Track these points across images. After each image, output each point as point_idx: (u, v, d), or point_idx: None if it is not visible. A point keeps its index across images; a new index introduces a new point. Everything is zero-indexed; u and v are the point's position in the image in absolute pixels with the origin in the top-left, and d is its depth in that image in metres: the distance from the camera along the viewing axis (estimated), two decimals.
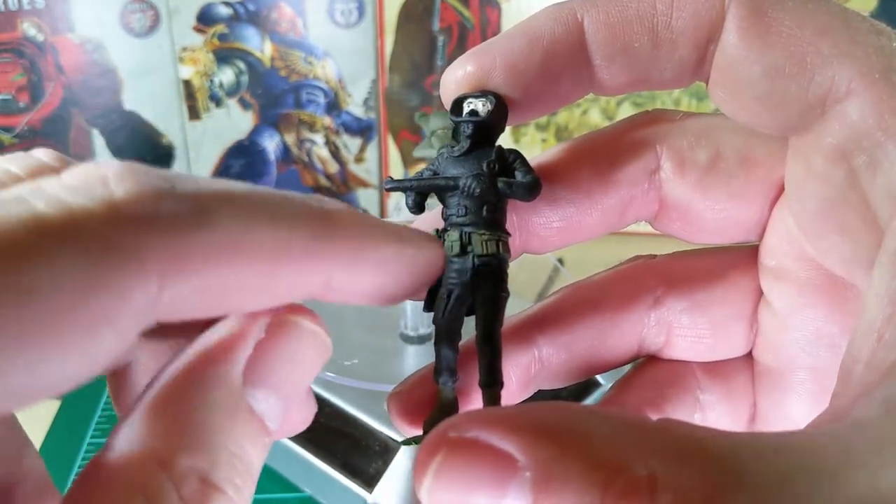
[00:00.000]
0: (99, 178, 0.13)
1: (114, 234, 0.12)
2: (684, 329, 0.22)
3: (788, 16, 0.17)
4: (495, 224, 0.19)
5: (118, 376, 0.18)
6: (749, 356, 0.22)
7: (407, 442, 0.19)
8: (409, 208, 0.20)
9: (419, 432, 0.19)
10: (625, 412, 0.15)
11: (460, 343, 0.20)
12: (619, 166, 0.20)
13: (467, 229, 0.19)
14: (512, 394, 0.21)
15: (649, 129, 0.21)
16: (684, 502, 0.12)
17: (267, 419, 0.15)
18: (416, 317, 0.51)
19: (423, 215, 0.21)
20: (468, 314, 0.19)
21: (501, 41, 0.19)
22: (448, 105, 0.19)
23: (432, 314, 0.20)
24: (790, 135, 0.18)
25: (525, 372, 0.21)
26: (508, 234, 0.20)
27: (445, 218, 0.20)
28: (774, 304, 0.21)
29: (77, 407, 0.56)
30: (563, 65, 0.19)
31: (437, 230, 0.20)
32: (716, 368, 0.22)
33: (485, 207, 0.19)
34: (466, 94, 0.19)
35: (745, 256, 0.22)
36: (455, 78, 0.19)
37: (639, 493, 0.12)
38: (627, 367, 0.23)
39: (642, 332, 0.22)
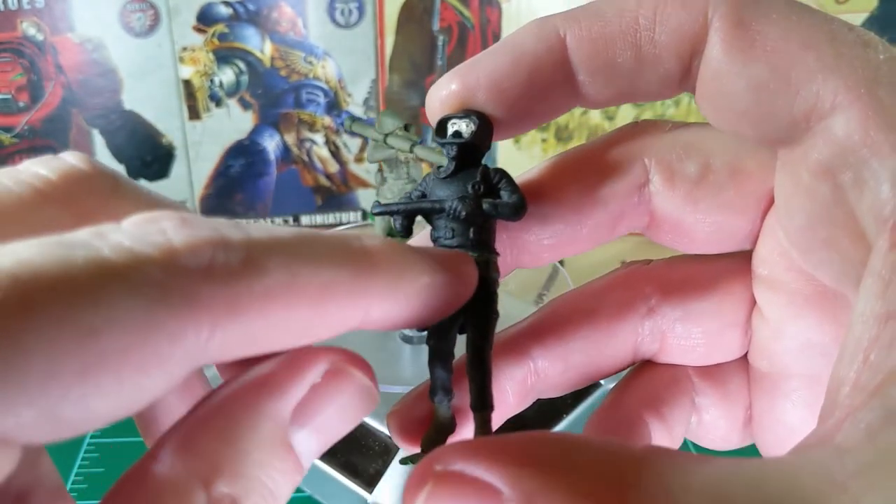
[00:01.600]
0: (159, 227, 0.14)
1: (171, 281, 0.13)
2: (678, 338, 0.22)
3: (773, 29, 0.16)
4: (483, 245, 0.19)
5: (153, 425, 0.19)
6: (745, 358, 0.22)
7: (405, 461, 0.19)
8: (397, 231, 0.20)
9: (418, 449, 0.19)
10: (610, 441, 0.15)
11: (456, 361, 0.20)
12: (608, 181, 0.20)
13: (456, 251, 0.19)
14: (510, 406, 0.21)
15: (637, 142, 0.21)
16: None
17: (303, 458, 0.16)
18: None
19: (417, 237, 0.21)
20: (460, 332, 0.19)
21: (485, 59, 0.19)
22: (433, 124, 0.20)
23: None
24: (778, 147, 0.18)
25: (521, 385, 0.21)
26: (497, 253, 0.20)
27: (434, 240, 0.20)
28: (766, 313, 0.21)
29: None
30: (547, 81, 0.19)
31: None
32: (711, 372, 0.22)
33: (472, 229, 0.19)
34: (450, 114, 0.19)
35: (739, 263, 0.21)
36: (440, 97, 0.19)
37: None
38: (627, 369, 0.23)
39: (637, 340, 0.22)
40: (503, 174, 0.19)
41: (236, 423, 0.15)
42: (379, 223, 0.19)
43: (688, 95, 0.73)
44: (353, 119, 0.57)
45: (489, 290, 0.19)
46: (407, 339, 0.51)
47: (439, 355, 0.19)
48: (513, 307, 0.51)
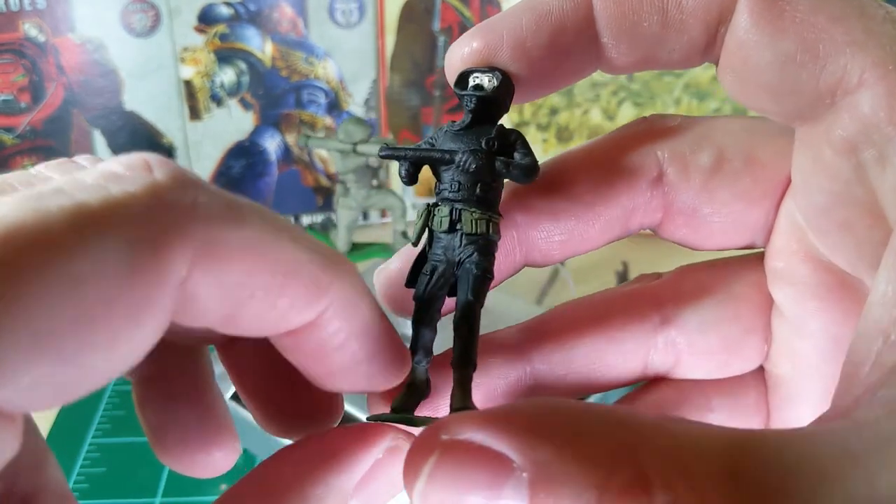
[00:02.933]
0: (143, 163, 0.13)
1: (155, 218, 0.12)
2: (695, 349, 0.21)
3: (802, 1, 0.16)
4: (488, 203, 0.19)
5: (144, 387, 0.19)
6: (760, 370, 0.22)
7: (373, 419, 0.18)
8: (402, 178, 0.20)
9: (387, 409, 0.19)
10: (620, 408, 0.15)
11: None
12: (621, 176, 0.20)
13: (458, 206, 0.18)
14: (493, 401, 0.20)
15: (648, 136, 0.20)
16: (680, 503, 0.12)
17: None
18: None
19: (404, 249, 0.20)
20: (450, 294, 0.19)
21: (508, 17, 0.18)
22: (453, 79, 0.19)
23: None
24: (799, 124, 0.18)
25: (513, 386, 0.20)
26: (500, 215, 0.19)
27: (437, 192, 0.19)
28: (786, 311, 0.20)
29: (78, 408, 0.57)
30: (570, 42, 0.18)
31: (428, 204, 0.19)
32: (726, 385, 0.22)
33: (479, 185, 0.18)
34: (473, 68, 0.18)
35: (751, 266, 0.21)
36: (461, 54, 0.19)
37: (635, 493, 0.12)
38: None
39: (649, 354, 0.21)
40: (519, 135, 0.19)
41: (306, 496, 0.16)
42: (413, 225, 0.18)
43: (688, 95, 0.73)
44: (308, 136, 0.56)
45: (488, 251, 0.19)
46: (407, 339, 0.51)
47: (426, 313, 0.19)
48: (513, 307, 0.51)
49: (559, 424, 0.13)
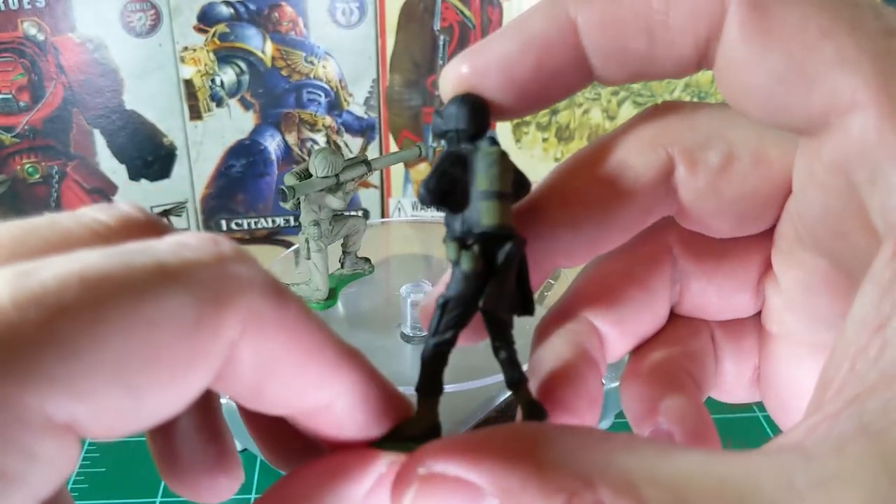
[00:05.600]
0: (211, 239, 0.15)
1: (219, 284, 0.14)
2: (693, 293, 0.22)
3: (791, 14, 0.16)
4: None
5: (162, 435, 0.20)
6: (758, 317, 0.22)
7: (374, 446, 0.19)
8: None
9: None
10: (585, 432, 0.15)
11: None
12: (634, 176, 0.20)
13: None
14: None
15: (659, 130, 0.20)
16: None
17: None
18: (416, 317, 0.51)
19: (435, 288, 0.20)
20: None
21: (496, 43, 0.18)
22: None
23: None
24: (798, 135, 0.18)
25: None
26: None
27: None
28: (782, 283, 0.21)
29: None
30: (558, 65, 0.18)
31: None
32: (729, 326, 0.23)
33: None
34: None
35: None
36: (450, 79, 0.19)
37: None
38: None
39: (669, 292, 0.22)
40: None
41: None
42: (449, 247, 0.18)
43: (688, 94, 0.73)
44: (283, 189, 0.49)
45: (524, 269, 0.19)
46: (407, 339, 0.51)
47: (449, 345, 0.19)
48: None
49: (526, 453, 0.14)
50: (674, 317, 0.23)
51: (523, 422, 0.19)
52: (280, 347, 0.15)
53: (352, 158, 0.51)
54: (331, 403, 0.17)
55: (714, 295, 0.22)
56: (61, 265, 0.13)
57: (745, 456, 0.13)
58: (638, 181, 0.20)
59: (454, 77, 0.19)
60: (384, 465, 0.18)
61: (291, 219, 0.79)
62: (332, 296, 0.53)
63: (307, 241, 0.51)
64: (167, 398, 0.14)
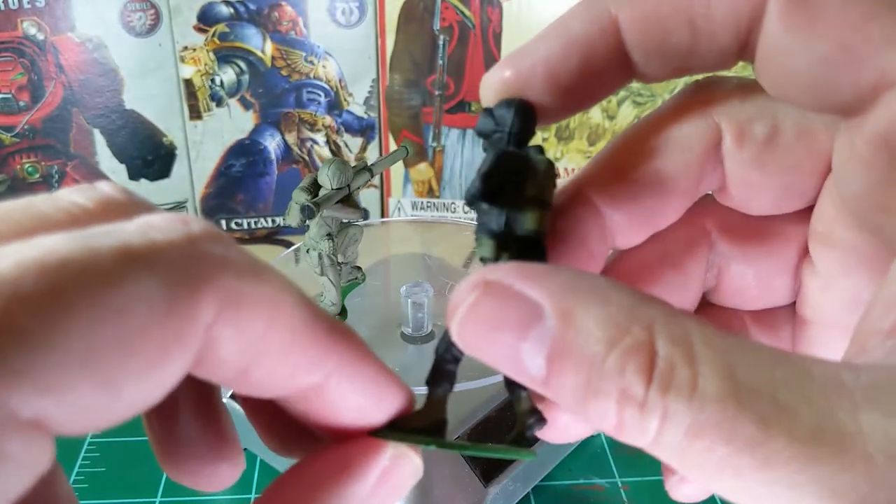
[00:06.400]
0: (180, 219, 0.15)
1: (190, 265, 0.14)
2: (732, 277, 0.22)
3: (832, 1, 0.16)
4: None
5: (159, 421, 0.19)
6: (793, 307, 0.22)
7: (374, 433, 0.19)
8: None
9: None
10: (648, 293, 0.16)
11: None
12: (688, 146, 0.20)
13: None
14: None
15: (706, 102, 0.20)
16: (674, 373, 0.14)
17: None
18: (416, 317, 0.51)
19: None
20: None
21: (538, 45, 0.19)
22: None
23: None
24: (840, 116, 0.18)
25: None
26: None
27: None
28: (818, 265, 0.21)
29: None
30: (601, 65, 0.18)
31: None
32: (763, 317, 0.23)
33: None
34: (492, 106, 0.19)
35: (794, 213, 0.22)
36: (492, 84, 0.19)
37: (638, 356, 0.14)
38: None
39: (703, 276, 0.22)
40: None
41: (324, 496, 0.17)
42: (484, 245, 0.18)
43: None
44: (308, 207, 0.48)
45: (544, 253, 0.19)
46: (407, 339, 0.51)
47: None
48: None
49: (590, 289, 0.15)
50: (705, 306, 0.23)
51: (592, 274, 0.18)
52: (262, 328, 0.15)
53: (354, 166, 0.50)
54: (322, 384, 0.17)
55: (753, 278, 0.22)
56: (19, 252, 0.12)
57: (797, 354, 0.14)
58: (691, 150, 0.20)
59: (498, 82, 0.19)
60: (388, 458, 0.18)
61: None
62: (343, 311, 0.52)
63: (320, 256, 0.50)
64: (143, 388, 0.13)
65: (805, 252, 0.22)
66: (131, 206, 0.16)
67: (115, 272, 0.13)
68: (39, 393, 0.12)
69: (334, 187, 0.48)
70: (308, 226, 0.50)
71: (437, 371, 0.19)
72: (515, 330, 0.15)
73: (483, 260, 0.18)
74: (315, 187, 0.49)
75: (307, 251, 0.50)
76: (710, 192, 0.22)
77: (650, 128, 0.21)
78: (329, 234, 0.49)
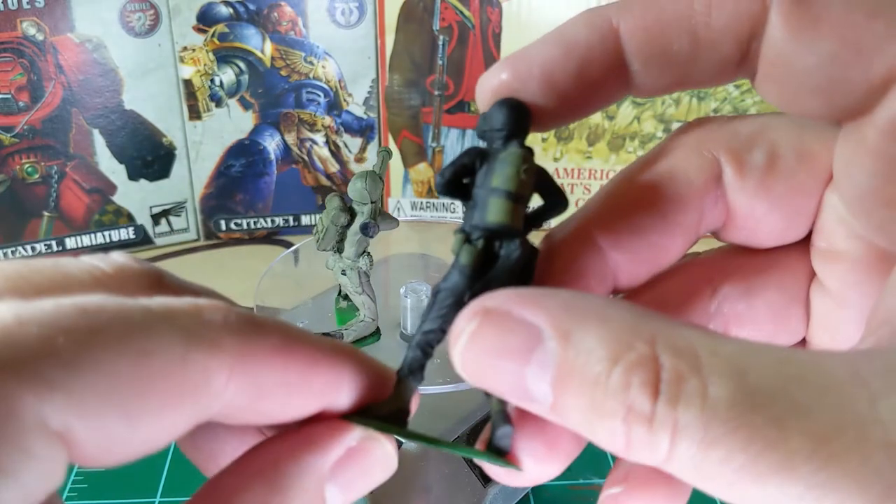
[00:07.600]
0: (190, 293, 0.17)
1: (199, 328, 0.15)
2: (742, 318, 0.22)
3: (834, 3, 0.16)
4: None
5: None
6: (803, 343, 0.22)
7: (346, 418, 0.19)
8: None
9: None
10: (644, 308, 0.16)
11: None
12: (687, 181, 0.20)
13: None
14: None
15: (701, 138, 0.20)
16: (682, 384, 0.14)
17: None
18: (416, 317, 0.51)
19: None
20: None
21: (537, 49, 0.19)
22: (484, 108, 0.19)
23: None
24: (846, 120, 0.18)
25: None
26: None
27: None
28: (828, 283, 0.21)
29: None
30: (599, 72, 0.18)
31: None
32: None
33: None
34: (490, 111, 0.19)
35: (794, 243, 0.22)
36: (490, 86, 0.19)
37: (643, 370, 0.14)
38: None
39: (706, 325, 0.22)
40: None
41: (284, 473, 0.17)
42: (461, 247, 0.18)
43: (688, 94, 0.73)
44: (371, 223, 0.47)
45: (529, 277, 0.19)
46: (407, 339, 0.51)
47: (435, 334, 0.19)
48: None
49: (588, 308, 0.15)
50: None
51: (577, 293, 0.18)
52: (269, 375, 0.16)
53: (371, 177, 0.49)
54: (338, 396, 0.18)
55: (765, 312, 0.21)
56: (56, 299, 0.14)
57: (806, 349, 0.14)
58: (689, 185, 0.20)
59: (495, 83, 0.19)
60: (355, 438, 0.18)
61: (291, 219, 0.79)
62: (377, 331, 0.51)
63: (359, 275, 0.49)
64: (157, 426, 0.15)
65: (811, 280, 0.21)
66: (143, 273, 0.18)
67: (143, 322, 0.15)
68: (69, 408, 0.13)
69: (372, 200, 0.47)
70: (337, 248, 0.50)
71: (407, 361, 0.19)
72: (518, 355, 0.15)
73: (453, 253, 0.19)
74: (344, 208, 0.48)
75: (343, 272, 0.49)
76: (710, 233, 0.22)
77: (648, 166, 0.21)
78: (367, 251, 0.49)
